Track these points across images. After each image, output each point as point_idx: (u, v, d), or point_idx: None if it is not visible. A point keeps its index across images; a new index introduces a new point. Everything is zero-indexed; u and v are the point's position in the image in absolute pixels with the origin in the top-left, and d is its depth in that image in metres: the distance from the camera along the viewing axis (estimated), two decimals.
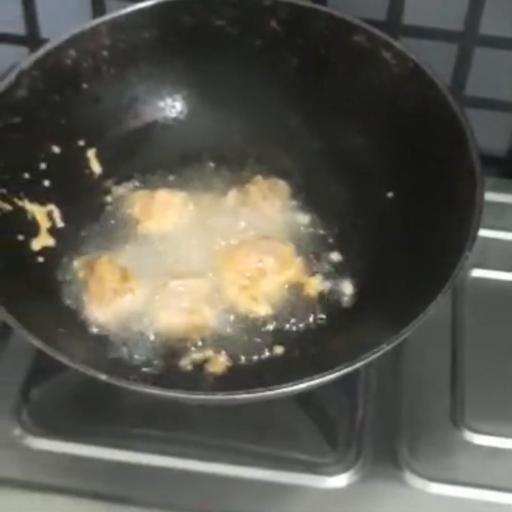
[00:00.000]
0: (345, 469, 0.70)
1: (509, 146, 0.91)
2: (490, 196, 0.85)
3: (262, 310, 0.72)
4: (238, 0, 0.78)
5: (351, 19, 0.76)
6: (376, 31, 0.76)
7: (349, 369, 0.59)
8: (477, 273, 0.82)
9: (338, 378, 0.61)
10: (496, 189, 0.88)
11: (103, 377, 0.60)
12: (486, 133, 0.88)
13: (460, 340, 0.77)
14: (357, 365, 0.60)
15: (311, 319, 0.72)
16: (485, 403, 0.73)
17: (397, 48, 0.75)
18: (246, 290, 0.73)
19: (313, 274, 0.74)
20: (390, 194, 0.76)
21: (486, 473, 0.70)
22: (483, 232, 0.83)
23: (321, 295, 0.73)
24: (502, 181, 0.91)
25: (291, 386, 0.59)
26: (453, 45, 0.84)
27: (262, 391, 0.59)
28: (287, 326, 0.72)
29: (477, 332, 0.78)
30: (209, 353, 0.70)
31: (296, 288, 0.73)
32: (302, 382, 0.59)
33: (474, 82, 0.87)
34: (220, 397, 0.60)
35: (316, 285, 0.73)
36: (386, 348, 0.60)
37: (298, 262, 0.74)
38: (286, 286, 0.73)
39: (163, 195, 0.78)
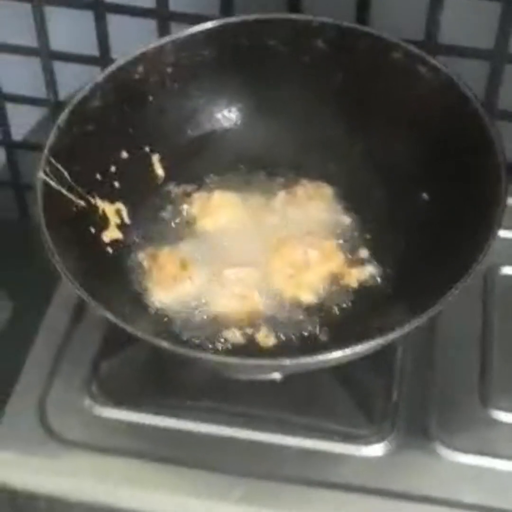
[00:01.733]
0: (379, 440, 0.77)
1: None
2: None
3: (306, 297, 0.80)
4: (288, 22, 0.86)
5: (390, 38, 0.84)
6: (413, 48, 0.83)
7: (376, 342, 0.67)
8: (508, 270, 0.89)
9: (369, 351, 0.68)
10: None
11: (164, 344, 0.68)
12: None
13: (490, 328, 0.84)
14: (385, 339, 0.67)
15: (350, 305, 0.80)
16: (511, 384, 0.80)
17: (432, 63, 0.82)
18: (292, 278, 0.80)
19: (352, 266, 0.82)
20: (424, 196, 0.84)
21: (508, 446, 0.77)
22: None
23: (359, 284, 0.81)
24: None
25: (327, 354, 0.66)
26: (486, 62, 0.91)
27: (301, 358, 0.66)
28: (329, 311, 0.79)
29: (506, 320, 0.84)
30: (258, 333, 0.78)
31: (337, 278, 0.81)
32: (335, 351, 0.66)
33: (507, 97, 0.94)
34: (265, 362, 0.68)
35: (355, 275, 0.81)
36: (412, 325, 0.68)
37: (339, 256, 0.82)
38: (328, 276, 0.81)
39: (219, 196, 0.86)
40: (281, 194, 0.86)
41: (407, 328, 0.68)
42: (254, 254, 0.82)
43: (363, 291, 0.80)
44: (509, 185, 0.75)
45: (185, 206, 0.86)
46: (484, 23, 0.89)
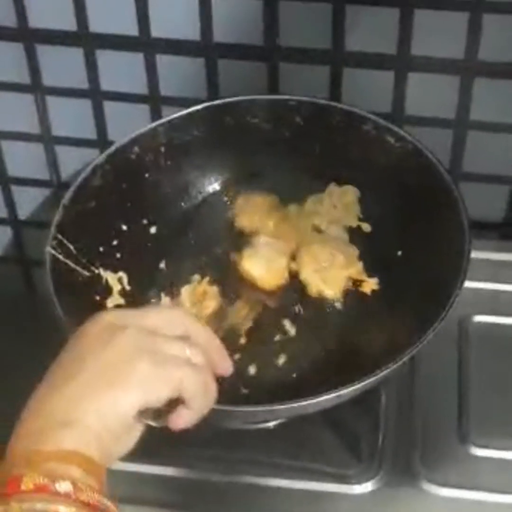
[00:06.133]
0: (369, 478, 0.84)
1: (505, 213, 1.06)
2: (490, 255, 1.02)
3: (330, 293, 0.89)
4: (269, 101, 0.95)
5: (361, 112, 0.92)
6: (381, 121, 0.92)
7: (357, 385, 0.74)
8: (480, 318, 0.97)
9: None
10: (494, 249, 1.03)
11: None
12: (485, 203, 1.04)
13: (466, 370, 0.91)
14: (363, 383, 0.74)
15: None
16: (486, 423, 0.87)
17: (399, 133, 0.91)
18: (318, 273, 0.89)
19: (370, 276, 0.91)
20: (399, 253, 0.91)
21: (486, 479, 0.84)
22: (484, 285, 0.99)
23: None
24: (500, 243, 1.06)
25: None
26: (449, 130, 1.00)
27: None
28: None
29: (479, 364, 0.92)
30: None
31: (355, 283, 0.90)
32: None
33: (470, 161, 1.02)
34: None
35: (372, 285, 0.90)
36: (392, 367, 0.75)
37: (360, 264, 0.91)
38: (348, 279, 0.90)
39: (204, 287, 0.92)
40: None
41: (387, 370, 0.75)
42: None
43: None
44: (472, 240, 0.83)
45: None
46: (446, 95, 0.98)
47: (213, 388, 0.65)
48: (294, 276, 0.91)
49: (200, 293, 0.90)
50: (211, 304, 0.89)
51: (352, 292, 0.90)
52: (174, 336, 0.64)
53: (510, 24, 0.90)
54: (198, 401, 0.63)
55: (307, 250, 0.92)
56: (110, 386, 0.60)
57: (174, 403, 0.63)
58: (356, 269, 0.91)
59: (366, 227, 0.94)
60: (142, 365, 0.61)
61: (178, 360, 0.63)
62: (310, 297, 0.90)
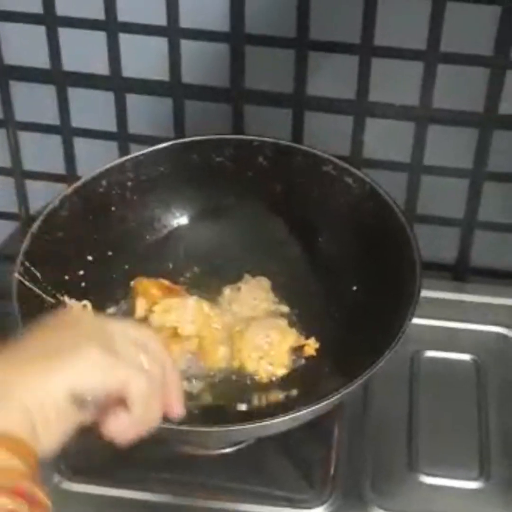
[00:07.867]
0: (320, 504, 0.86)
1: (456, 255, 1.11)
2: (443, 295, 1.07)
3: (282, 371, 0.90)
4: (233, 141, 0.99)
5: (321, 154, 0.97)
6: (341, 162, 0.96)
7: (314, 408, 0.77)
8: (431, 354, 1.01)
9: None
10: (447, 289, 1.08)
11: None
12: (438, 245, 1.09)
13: (415, 403, 0.95)
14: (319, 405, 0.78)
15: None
16: (434, 452, 0.91)
17: (357, 175, 0.95)
18: (263, 359, 0.90)
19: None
20: (354, 288, 0.95)
21: (433, 505, 0.87)
22: (436, 322, 1.04)
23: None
24: (452, 283, 1.10)
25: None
26: (404, 174, 1.05)
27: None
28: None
29: (429, 397, 0.95)
30: None
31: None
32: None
33: (424, 203, 1.07)
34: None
35: (312, 346, 0.91)
36: (344, 391, 0.78)
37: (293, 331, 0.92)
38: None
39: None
40: (227, 291, 0.97)
41: (336, 396, 0.78)
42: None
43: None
44: (423, 279, 0.87)
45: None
46: (401, 140, 1.03)
47: (157, 407, 0.59)
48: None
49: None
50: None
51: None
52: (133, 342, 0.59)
53: (463, 74, 0.96)
54: (140, 409, 0.57)
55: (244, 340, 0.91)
56: (47, 363, 0.55)
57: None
58: (292, 337, 0.92)
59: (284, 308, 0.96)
60: (89, 350, 0.56)
61: (131, 360, 0.58)
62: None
